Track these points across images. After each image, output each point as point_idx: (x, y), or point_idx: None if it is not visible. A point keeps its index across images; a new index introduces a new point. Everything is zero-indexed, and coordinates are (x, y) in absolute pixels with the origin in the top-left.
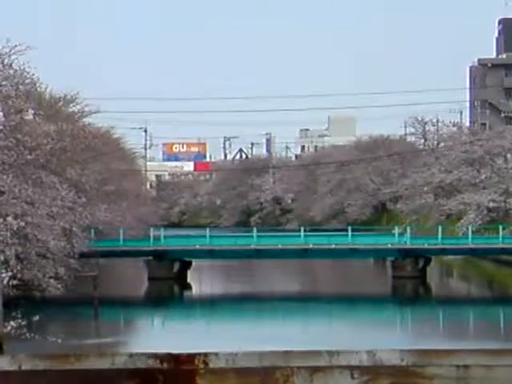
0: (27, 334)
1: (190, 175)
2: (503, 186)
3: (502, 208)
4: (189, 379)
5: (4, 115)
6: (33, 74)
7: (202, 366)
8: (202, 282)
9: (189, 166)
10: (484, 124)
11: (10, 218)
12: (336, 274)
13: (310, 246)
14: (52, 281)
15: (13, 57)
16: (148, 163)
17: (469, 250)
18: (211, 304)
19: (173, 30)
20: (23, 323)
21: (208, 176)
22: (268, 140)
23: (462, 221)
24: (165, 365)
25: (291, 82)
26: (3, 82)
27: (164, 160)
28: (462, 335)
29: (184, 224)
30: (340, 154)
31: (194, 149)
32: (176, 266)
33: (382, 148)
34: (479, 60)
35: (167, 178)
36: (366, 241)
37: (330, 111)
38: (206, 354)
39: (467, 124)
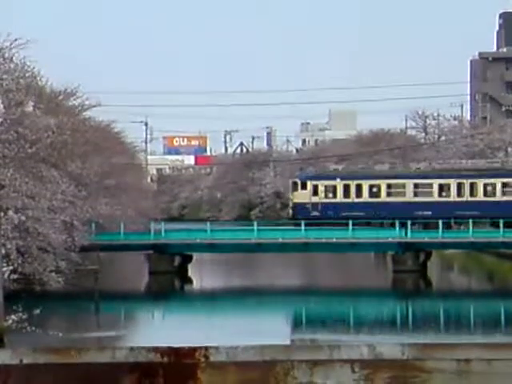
0: (28, 328)
1: (190, 169)
2: None
3: None
4: (189, 373)
5: (4, 108)
6: (33, 68)
7: (202, 359)
8: (202, 275)
9: (189, 160)
10: (485, 118)
11: (10, 212)
12: (336, 268)
13: (311, 239)
14: (53, 274)
15: (13, 50)
16: (149, 157)
17: (469, 243)
18: (212, 298)
19: (174, 24)
20: (24, 317)
21: (209, 170)
22: (269, 134)
23: None
24: (165, 358)
25: (292, 76)
26: (4, 76)
27: (165, 153)
28: (463, 329)
29: (185, 218)
30: (341, 147)
31: (195, 142)
32: (177, 260)
33: (382, 142)
34: (480, 54)
35: (168, 171)
36: (366, 234)
37: (331, 105)
38: (206, 348)
39: (468, 118)
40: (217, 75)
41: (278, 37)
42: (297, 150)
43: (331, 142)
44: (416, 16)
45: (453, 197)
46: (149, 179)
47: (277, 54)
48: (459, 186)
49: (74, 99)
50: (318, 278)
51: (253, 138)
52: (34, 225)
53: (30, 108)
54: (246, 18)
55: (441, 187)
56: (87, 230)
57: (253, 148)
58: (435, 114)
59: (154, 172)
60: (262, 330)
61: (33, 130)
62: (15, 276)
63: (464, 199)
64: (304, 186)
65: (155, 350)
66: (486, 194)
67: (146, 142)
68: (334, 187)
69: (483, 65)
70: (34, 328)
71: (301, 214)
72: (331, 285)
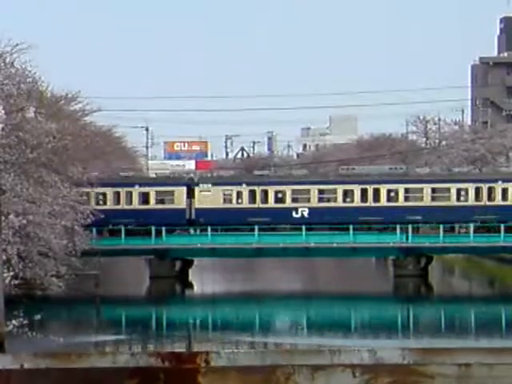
0: (29, 333)
1: (191, 174)
2: None
3: None
4: (190, 378)
5: (6, 113)
6: (34, 73)
7: (203, 364)
8: (203, 280)
9: (190, 165)
10: (486, 122)
11: (11, 217)
12: (338, 273)
13: (312, 244)
14: (54, 279)
15: (14, 55)
16: (149, 162)
17: (470, 248)
18: (213, 303)
19: (174, 28)
20: (25, 322)
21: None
22: (269, 138)
23: None
24: (166, 363)
25: (292, 81)
26: (5, 81)
27: (165, 158)
28: (464, 333)
29: None
30: (341, 152)
31: (196, 147)
32: (178, 265)
33: (383, 146)
34: (481, 58)
35: None
36: (367, 239)
37: (332, 110)
38: (207, 353)
39: (469, 122)
40: (217, 80)
41: (279, 40)
42: (297, 155)
43: (332, 146)
44: (417, 20)
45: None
46: None
47: (277, 58)
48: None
49: (75, 104)
50: (319, 282)
51: (254, 143)
52: (34, 230)
53: (31, 113)
54: (246, 20)
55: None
56: (88, 235)
57: (254, 153)
58: (436, 119)
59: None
60: (263, 335)
61: (34, 134)
62: (16, 281)
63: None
64: None
65: (156, 354)
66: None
67: (146, 147)
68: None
69: (484, 69)
70: (34, 333)
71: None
72: (332, 289)
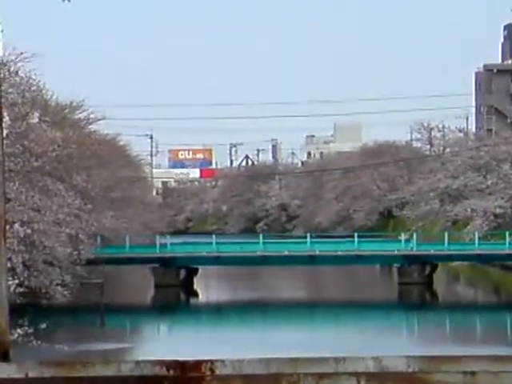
0: (34, 342)
1: (196, 182)
2: (509, 191)
3: (508, 214)
4: None
5: (10, 121)
6: (39, 81)
7: (208, 373)
8: (208, 288)
9: (195, 173)
10: (490, 130)
11: (16, 225)
12: (342, 281)
13: (317, 252)
14: (58, 288)
15: (19, 64)
16: (154, 170)
17: (475, 256)
18: (218, 311)
19: (178, 36)
20: (30, 331)
21: (214, 183)
22: (274, 146)
23: (468, 227)
24: (171, 372)
25: (297, 89)
26: (9, 89)
27: (170, 167)
28: (469, 341)
29: (190, 231)
30: (346, 160)
31: (200, 155)
32: (182, 273)
33: (387, 154)
34: (485, 66)
35: (173, 184)
36: (372, 247)
37: (336, 117)
38: (212, 361)
39: (473, 130)
40: (221, 88)
41: (283, 48)
42: (302, 163)
43: (336, 154)
44: (421, 28)
45: None
46: (154, 192)
47: (281, 65)
48: None
49: (80, 113)
50: (324, 290)
51: (258, 151)
52: (39, 238)
53: (35, 121)
54: (252, 28)
55: None
56: (93, 244)
57: (258, 161)
58: (440, 126)
59: (160, 185)
60: (268, 344)
61: (38, 143)
62: (21, 289)
63: None
64: None
65: (161, 363)
66: None
67: (151, 155)
68: None
69: (488, 77)
70: (39, 342)
71: None
72: (337, 297)
